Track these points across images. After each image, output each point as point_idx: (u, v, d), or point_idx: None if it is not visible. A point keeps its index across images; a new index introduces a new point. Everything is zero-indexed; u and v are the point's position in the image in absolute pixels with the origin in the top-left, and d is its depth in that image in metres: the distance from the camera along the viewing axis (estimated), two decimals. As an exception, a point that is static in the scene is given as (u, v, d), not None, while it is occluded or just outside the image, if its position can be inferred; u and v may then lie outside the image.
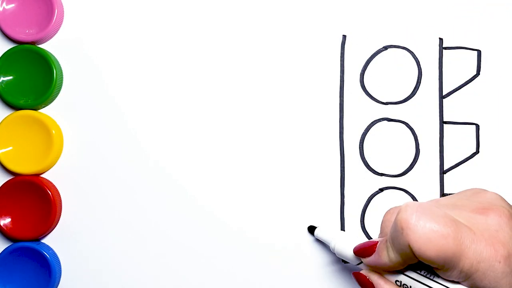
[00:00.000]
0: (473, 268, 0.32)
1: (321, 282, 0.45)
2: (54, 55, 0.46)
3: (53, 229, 0.46)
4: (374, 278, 0.37)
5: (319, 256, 0.45)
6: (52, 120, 0.46)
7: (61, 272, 0.46)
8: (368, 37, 0.45)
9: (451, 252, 0.32)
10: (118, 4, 0.47)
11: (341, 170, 0.45)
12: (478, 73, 0.45)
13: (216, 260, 0.46)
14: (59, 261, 0.46)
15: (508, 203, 0.36)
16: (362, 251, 0.37)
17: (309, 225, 0.45)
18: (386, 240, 0.35)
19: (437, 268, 0.33)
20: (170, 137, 0.46)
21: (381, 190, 0.45)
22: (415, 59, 0.45)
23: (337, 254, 0.41)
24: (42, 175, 0.47)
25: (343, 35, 0.46)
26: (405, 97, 0.45)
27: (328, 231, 0.43)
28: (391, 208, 0.38)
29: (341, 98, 0.45)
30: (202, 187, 0.46)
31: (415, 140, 0.45)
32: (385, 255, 0.35)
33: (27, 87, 0.46)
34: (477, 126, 0.45)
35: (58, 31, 0.47)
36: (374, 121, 0.45)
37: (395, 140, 0.45)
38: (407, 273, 0.35)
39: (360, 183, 0.45)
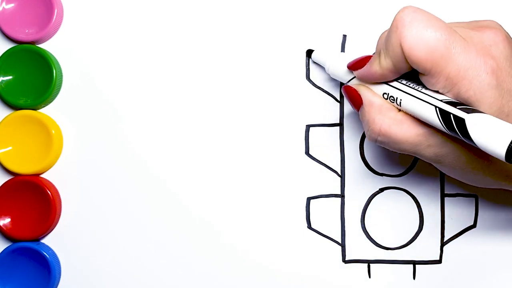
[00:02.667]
0: (460, 76, 0.33)
1: (320, 282, 0.45)
2: (53, 54, 0.46)
3: (52, 229, 0.46)
4: (362, 89, 0.37)
5: (319, 256, 0.45)
6: (52, 120, 0.46)
7: (60, 272, 0.46)
8: (368, 37, 0.45)
9: (439, 54, 0.32)
10: (118, 4, 0.47)
11: (341, 170, 0.45)
12: (478, 73, 0.45)
13: (218, 260, 0.46)
14: (59, 261, 0.46)
15: (505, 30, 0.36)
16: (356, 64, 0.38)
17: (307, 49, 0.45)
18: (380, 50, 0.36)
19: (423, 75, 0.34)
20: (170, 137, 0.46)
21: (381, 190, 0.45)
22: (415, 59, 0.45)
23: (331, 74, 0.42)
24: (42, 175, 0.47)
25: (343, 35, 0.46)
26: (405, 97, 0.45)
27: (324, 53, 0.44)
28: (385, 31, 0.37)
29: (341, 98, 0.45)
30: (203, 187, 0.46)
31: (415, 140, 0.45)
32: (377, 64, 0.36)
33: (27, 87, 0.46)
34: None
35: (58, 31, 0.47)
36: (374, 121, 0.45)
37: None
38: (394, 84, 0.36)
39: (360, 183, 0.45)
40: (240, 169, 0.46)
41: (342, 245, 0.45)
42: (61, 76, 0.46)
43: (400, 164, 0.45)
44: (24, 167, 0.46)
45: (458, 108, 0.32)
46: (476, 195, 0.45)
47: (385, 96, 0.36)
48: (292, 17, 0.46)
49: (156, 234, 0.46)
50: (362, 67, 0.37)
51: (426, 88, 0.35)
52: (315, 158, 0.45)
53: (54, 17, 0.46)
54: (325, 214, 0.45)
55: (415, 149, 0.36)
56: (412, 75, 0.36)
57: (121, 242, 0.46)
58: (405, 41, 0.33)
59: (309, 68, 0.46)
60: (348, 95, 0.38)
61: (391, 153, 0.45)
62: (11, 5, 0.46)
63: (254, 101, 0.46)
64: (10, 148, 0.46)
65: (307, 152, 0.45)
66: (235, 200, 0.46)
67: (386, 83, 0.36)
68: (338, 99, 0.45)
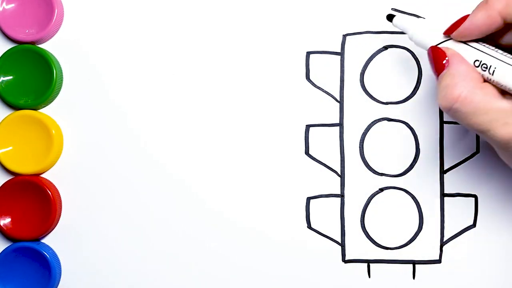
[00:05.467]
0: None
1: (320, 282, 0.45)
2: (54, 55, 0.46)
3: (53, 229, 0.46)
4: (451, 52, 0.35)
5: (319, 256, 0.45)
6: (52, 120, 0.46)
7: (61, 272, 0.46)
8: (368, 37, 0.45)
9: None
10: (118, 4, 0.47)
11: (341, 170, 0.45)
12: (478, 73, 0.45)
13: (218, 260, 0.46)
14: (59, 261, 0.46)
15: None
16: (455, 24, 0.36)
17: (387, 14, 0.41)
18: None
19: None
20: (170, 137, 0.46)
21: (381, 190, 0.45)
22: (415, 59, 0.45)
23: (415, 41, 0.38)
24: (42, 175, 0.47)
25: (343, 35, 0.46)
26: (405, 97, 0.45)
27: (407, 18, 0.40)
28: None
29: (341, 98, 0.45)
30: (203, 186, 0.46)
31: (415, 140, 0.45)
32: (484, 7, 0.34)
33: (27, 87, 0.46)
34: (477, 126, 0.45)
35: (58, 31, 0.47)
36: (374, 121, 0.45)
37: (395, 140, 0.45)
38: (489, 51, 0.34)
39: (360, 183, 0.45)
40: (240, 169, 0.46)
41: (342, 245, 0.45)
42: (61, 76, 0.47)
43: (400, 164, 0.45)
44: (24, 167, 0.46)
45: None
46: (476, 195, 0.45)
47: (477, 63, 0.34)
48: (292, 17, 0.46)
49: (156, 234, 0.46)
50: (461, 25, 0.35)
51: None
52: (314, 158, 0.45)
53: (54, 17, 0.46)
54: (325, 214, 0.45)
55: (489, 125, 0.33)
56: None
57: (121, 242, 0.46)
58: None
59: (309, 68, 0.46)
60: (434, 56, 0.36)
61: (391, 153, 0.45)
62: (11, 5, 0.46)
63: (254, 101, 0.46)
64: (10, 148, 0.46)
65: (307, 152, 0.46)
66: (235, 200, 0.46)
67: (480, 50, 0.34)
68: (338, 99, 0.45)
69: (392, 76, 0.45)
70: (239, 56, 0.46)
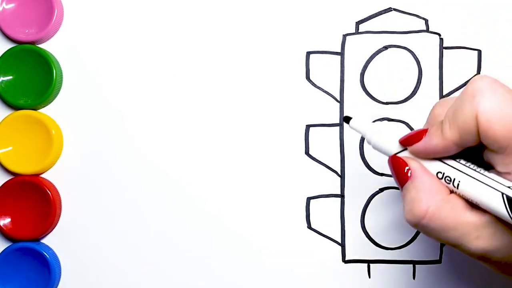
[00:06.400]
0: None
1: (320, 282, 0.45)
2: (53, 55, 0.46)
3: (52, 229, 0.46)
4: (414, 163, 0.33)
5: (319, 256, 0.45)
6: (52, 120, 0.46)
7: (60, 272, 0.46)
8: (368, 37, 0.45)
9: None
10: (118, 4, 0.47)
11: (341, 170, 0.45)
12: (478, 73, 0.45)
13: (218, 260, 0.46)
14: (59, 261, 0.46)
15: None
16: (410, 138, 0.33)
17: (344, 116, 0.40)
18: (441, 122, 0.32)
19: (493, 153, 0.30)
20: (170, 137, 0.46)
21: (381, 190, 0.45)
22: (415, 59, 0.45)
23: (374, 146, 0.35)
24: (42, 175, 0.47)
25: (343, 35, 0.46)
26: (405, 97, 0.45)
27: (365, 122, 0.37)
28: (441, 100, 0.34)
29: (341, 98, 0.45)
30: (203, 186, 0.46)
31: (415, 140, 0.45)
32: (439, 135, 0.31)
33: (27, 87, 0.46)
34: (477, 126, 0.45)
35: (58, 31, 0.47)
36: (374, 121, 0.45)
37: (395, 140, 0.45)
38: (452, 163, 0.32)
39: (360, 183, 0.45)
40: (240, 169, 0.46)
41: (342, 245, 0.45)
42: (61, 76, 0.46)
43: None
44: (24, 167, 0.46)
45: None
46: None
47: (440, 175, 0.32)
48: (292, 17, 0.46)
49: (156, 234, 0.46)
50: (418, 141, 0.33)
51: (489, 171, 0.31)
52: (315, 158, 0.45)
53: (54, 17, 0.46)
54: (325, 214, 0.45)
55: (461, 240, 0.31)
56: (471, 154, 0.32)
57: (121, 242, 0.46)
58: (483, 114, 0.29)
59: (309, 68, 0.46)
60: (395, 167, 0.33)
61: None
62: (11, 5, 0.46)
63: (254, 101, 0.46)
64: (10, 148, 0.46)
65: (307, 152, 0.46)
66: (235, 200, 0.46)
67: (443, 161, 0.32)
68: (338, 99, 0.45)
69: (392, 76, 0.45)
70: (239, 56, 0.46)
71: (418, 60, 0.45)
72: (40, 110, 0.47)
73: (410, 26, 0.45)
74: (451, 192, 0.32)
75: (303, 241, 0.45)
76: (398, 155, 0.34)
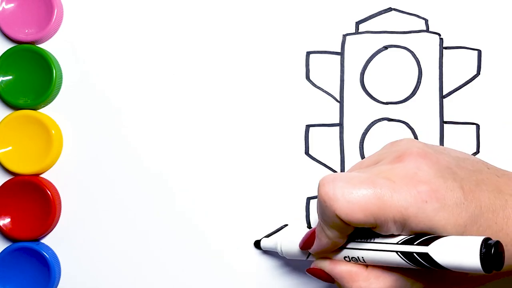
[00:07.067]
0: (404, 215, 0.32)
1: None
2: (53, 54, 0.46)
3: (52, 229, 0.46)
4: (325, 264, 0.37)
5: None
6: (51, 120, 0.46)
7: (60, 272, 0.46)
8: (368, 37, 0.45)
9: (375, 207, 0.32)
10: (117, 4, 0.47)
11: (341, 170, 0.45)
12: (478, 73, 0.45)
13: (218, 260, 0.46)
14: (59, 261, 0.46)
15: (424, 143, 0.36)
16: (306, 243, 0.38)
17: (254, 241, 0.45)
18: (320, 223, 0.35)
19: (374, 228, 0.33)
20: (170, 137, 0.46)
21: (381, 190, 0.45)
22: (415, 59, 0.45)
23: (286, 256, 0.41)
24: (42, 175, 0.47)
25: (343, 35, 0.46)
26: (405, 97, 0.45)
27: (271, 238, 0.44)
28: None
29: (341, 98, 0.45)
30: (203, 187, 0.46)
31: (415, 140, 0.45)
32: (324, 236, 0.35)
33: (27, 87, 0.46)
34: (477, 126, 0.45)
35: (58, 31, 0.47)
36: (374, 121, 0.45)
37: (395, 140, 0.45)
38: (349, 246, 0.35)
39: (360, 183, 0.45)
40: (240, 169, 0.46)
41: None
42: (61, 76, 0.46)
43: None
44: (24, 167, 0.46)
45: (417, 244, 0.32)
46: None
47: (347, 259, 0.36)
48: (292, 17, 0.46)
49: (155, 234, 0.46)
50: (312, 243, 0.37)
51: (381, 237, 0.34)
52: (315, 158, 0.45)
53: (54, 17, 0.46)
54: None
55: None
56: (362, 229, 0.35)
57: (120, 242, 0.46)
58: (339, 211, 0.32)
59: (309, 68, 0.46)
60: (315, 276, 0.37)
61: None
62: (11, 5, 0.46)
63: (254, 101, 0.46)
64: (10, 148, 0.46)
65: (307, 152, 0.46)
66: (235, 200, 0.46)
67: (343, 247, 0.36)
68: (338, 99, 0.45)
69: (392, 76, 0.45)
70: (239, 56, 0.46)
71: (418, 60, 0.45)
72: (40, 110, 0.47)
73: (410, 26, 0.45)
74: (367, 266, 0.35)
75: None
76: (311, 258, 0.39)
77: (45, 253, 0.45)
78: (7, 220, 0.46)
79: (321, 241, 0.36)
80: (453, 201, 0.32)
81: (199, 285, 0.46)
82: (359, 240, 0.35)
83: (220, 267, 0.46)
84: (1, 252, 0.46)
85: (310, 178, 0.45)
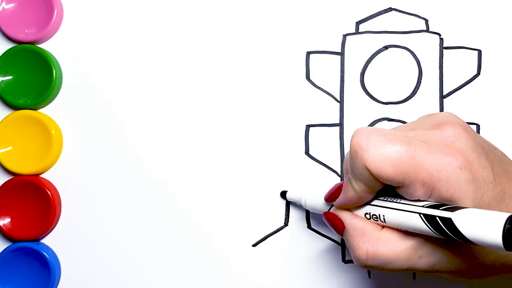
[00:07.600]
0: (435, 178, 0.32)
1: (321, 282, 0.45)
2: (53, 54, 0.46)
3: (52, 229, 0.46)
4: (343, 214, 0.36)
5: (319, 256, 0.45)
6: (51, 120, 0.46)
7: (60, 272, 0.46)
8: (368, 37, 0.45)
9: (407, 165, 0.32)
10: (117, 4, 0.47)
11: (341, 170, 0.45)
12: (478, 73, 0.45)
13: (218, 260, 0.46)
14: (59, 261, 0.46)
15: (462, 120, 0.35)
16: (332, 196, 0.37)
17: (281, 191, 0.45)
18: (349, 175, 0.35)
19: (399, 187, 0.33)
20: (170, 137, 0.46)
21: (381, 190, 0.45)
22: (415, 59, 0.45)
23: (309, 209, 0.41)
24: (42, 175, 0.47)
25: (343, 35, 0.46)
26: (405, 97, 0.45)
27: (297, 190, 0.43)
28: (347, 154, 0.37)
29: (341, 98, 0.45)
30: (203, 187, 0.46)
31: (415, 140, 0.45)
32: (351, 189, 0.35)
33: (27, 87, 0.46)
34: (477, 126, 0.45)
35: (58, 31, 0.47)
36: (374, 121, 0.45)
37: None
38: (374, 202, 0.35)
39: (360, 183, 0.45)
40: (240, 169, 0.46)
41: (342, 245, 0.45)
42: (61, 76, 0.46)
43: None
44: (24, 167, 0.46)
45: (442, 209, 0.31)
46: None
47: (368, 216, 0.35)
48: (292, 17, 0.46)
49: (155, 234, 0.46)
50: (338, 196, 0.36)
51: (406, 199, 0.34)
52: (315, 158, 0.45)
53: (54, 17, 0.46)
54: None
55: (408, 264, 0.34)
56: (390, 190, 0.35)
57: (120, 242, 0.46)
58: (369, 163, 0.32)
59: (309, 68, 0.46)
60: (329, 222, 0.37)
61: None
62: (11, 5, 0.46)
63: (254, 101, 0.46)
64: (10, 148, 0.46)
65: (307, 152, 0.46)
66: (235, 200, 0.46)
67: (367, 203, 0.35)
68: (338, 99, 0.45)
69: (392, 76, 0.45)
70: (239, 56, 0.46)
71: (418, 60, 0.45)
72: (40, 110, 0.47)
73: (410, 26, 0.45)
74: (383, 227, 0.35)
75: (302, 240, 0.45)
76: (332, 208, 0.38)
77: (45, 253, 0.45)
78: (7, 220, 0.46)
79: (347, 194, 0.35)
80: (483, 178, 0.32)
81: (199, 285, 0.46)
82: (383, 198, 0.35)
83: (220, 267, 0.46)
84: (1, 252, 0.46)
85: (310, 178, 0.45)
